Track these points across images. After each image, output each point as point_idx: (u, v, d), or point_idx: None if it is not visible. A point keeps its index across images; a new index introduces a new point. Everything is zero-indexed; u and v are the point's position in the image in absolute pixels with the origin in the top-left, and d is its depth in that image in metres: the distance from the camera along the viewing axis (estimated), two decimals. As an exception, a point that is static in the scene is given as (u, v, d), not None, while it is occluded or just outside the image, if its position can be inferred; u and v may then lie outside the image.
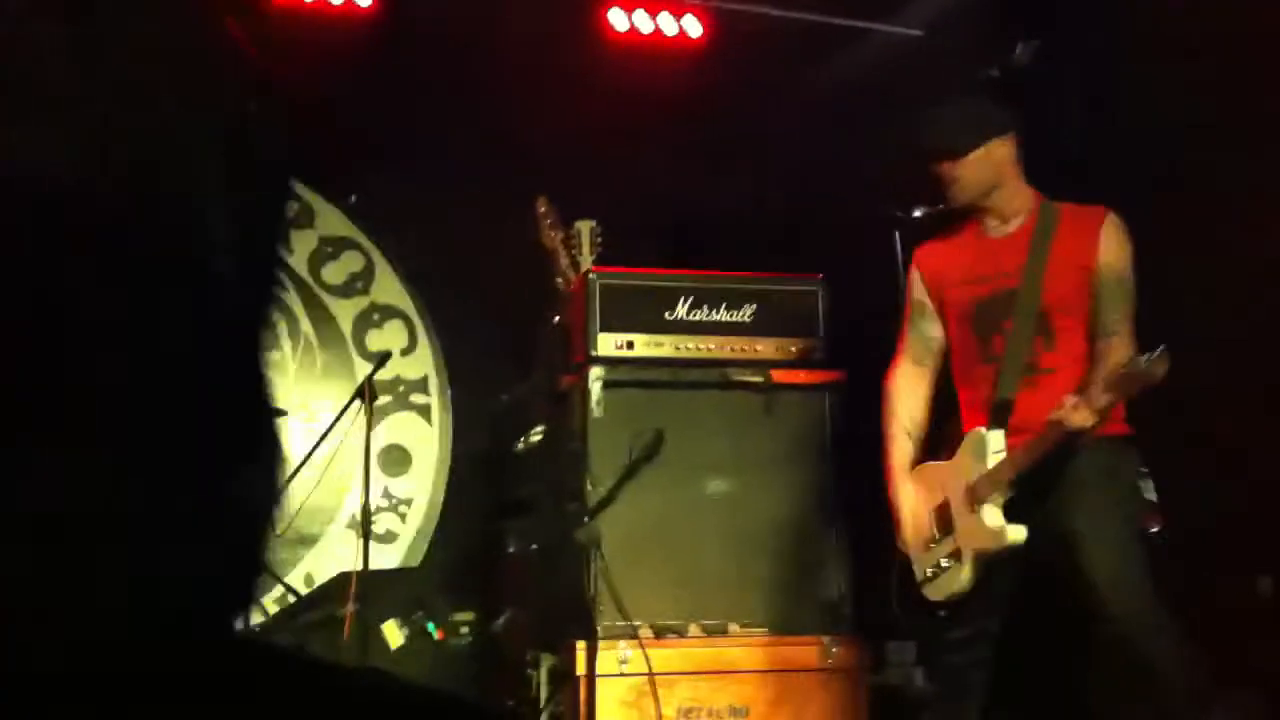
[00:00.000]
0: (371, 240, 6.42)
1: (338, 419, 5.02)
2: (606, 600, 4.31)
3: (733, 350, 4.75)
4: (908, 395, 4.07)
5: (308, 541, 6.02)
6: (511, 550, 5.34)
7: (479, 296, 6.16)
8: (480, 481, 6.05)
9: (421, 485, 6.30)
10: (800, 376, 4.75)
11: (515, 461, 5.35)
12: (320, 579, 5.69)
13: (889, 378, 4.12)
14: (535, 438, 5.05)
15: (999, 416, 3.74)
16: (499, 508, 5.58)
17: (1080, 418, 3.45)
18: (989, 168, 3.87)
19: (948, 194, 3.94)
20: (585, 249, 5.19)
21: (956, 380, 4.00)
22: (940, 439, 4.03)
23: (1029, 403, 3.70)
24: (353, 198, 6.36)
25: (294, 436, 5.70)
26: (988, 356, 3.85)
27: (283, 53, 5.88)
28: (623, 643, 4.29)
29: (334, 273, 6.39)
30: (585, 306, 4.70)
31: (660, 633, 4.43)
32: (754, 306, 4.81)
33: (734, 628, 4.51)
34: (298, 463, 5.10)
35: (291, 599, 5.36)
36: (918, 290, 4.08)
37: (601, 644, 4.20)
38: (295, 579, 5.87)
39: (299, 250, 6.34)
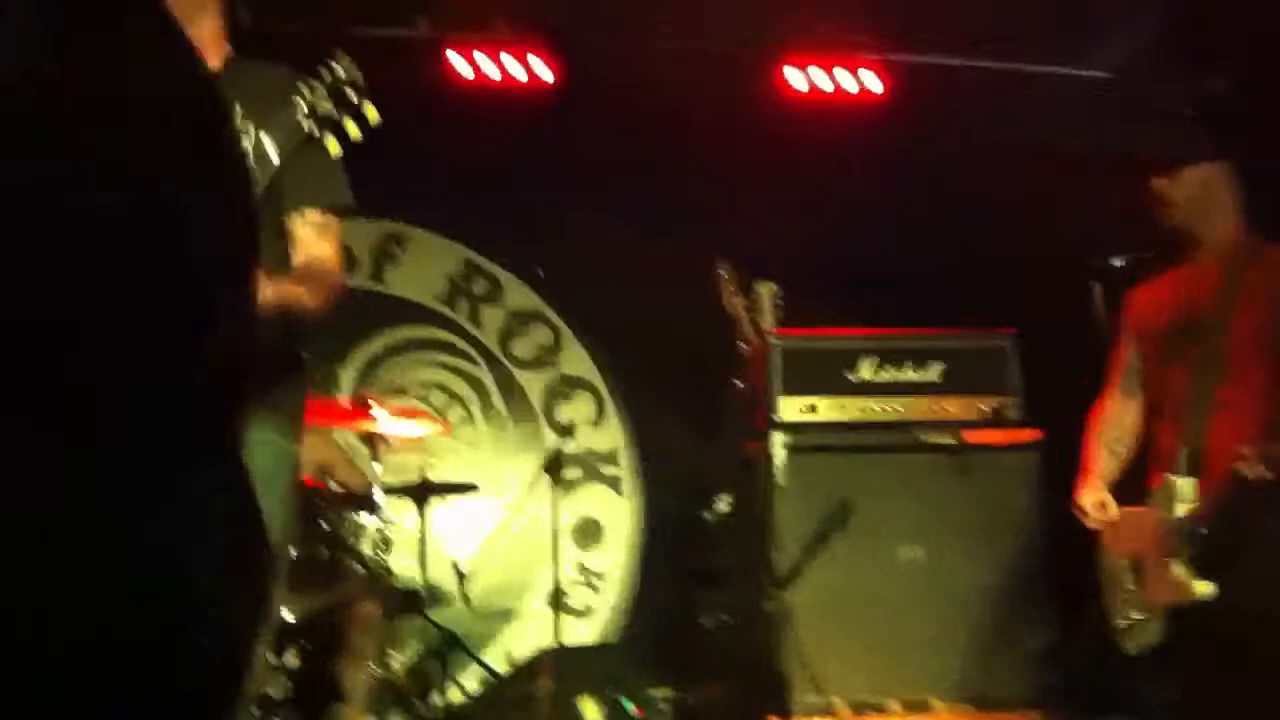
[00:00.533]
0: (559, 312, 6.47)
1: (526, 493, 5.01)
2: (801, 675, 4.19)
3: (921, 411, 4.60)
4: (1113, 421, 3.89)
5: (505, 617, 6.04)
6: (705, 623, 5.25)
7: (666, 365, 6.12)
8: (676, 553, 5.98)
9: (615, 558, 6.27)
10: (994, 436, 4.57)
11: (706, 531, 5.27)
12: (519, 655, 5.69)
13: (1095, 407, 3.94)
14: (722, 506, 4.97)
15: (1191, 463, 3.52)
16: (692, 578, 5.50)
17: (1255, 470, 3.23)
18: (1202, 189, 3.70)
19: (1160, 215, 3.75)
20: (766, 312, 5.11)
21: (1151, 413, 3.80)
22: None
23: (1211, 441, 3.49)
24: (540, 271, 6.43)
25: (487, 511, 5.75)
26: (1171, 387, 3.65)
27: (468, 129, 6.05)
28: (818, 719, 4.16)
29: (523, 346, 6.45)
30: (766, 371, 4.62)
31: (858, 709, 4.27)
32: (942, 365, 4.66)
33: (936, 703, 4.32)
34: (488, 536, 5.14)
35: (491, 678, 5.38)
36: (1127, 319, 3.93)
37: (795, 720, 4.08)
38: (495, 655, 5.89)
39: (488, 325, 6.43)
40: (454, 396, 6.35)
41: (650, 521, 6.28)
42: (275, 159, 2.13)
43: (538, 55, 6.19)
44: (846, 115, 6.28)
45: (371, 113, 2.13)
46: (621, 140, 6.07)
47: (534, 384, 6.41)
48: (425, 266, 6.44)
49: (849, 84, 6.32)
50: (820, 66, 6.29)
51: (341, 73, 2.10)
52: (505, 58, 6.18)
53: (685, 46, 6.18)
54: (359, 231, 6.40)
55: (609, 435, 6.38)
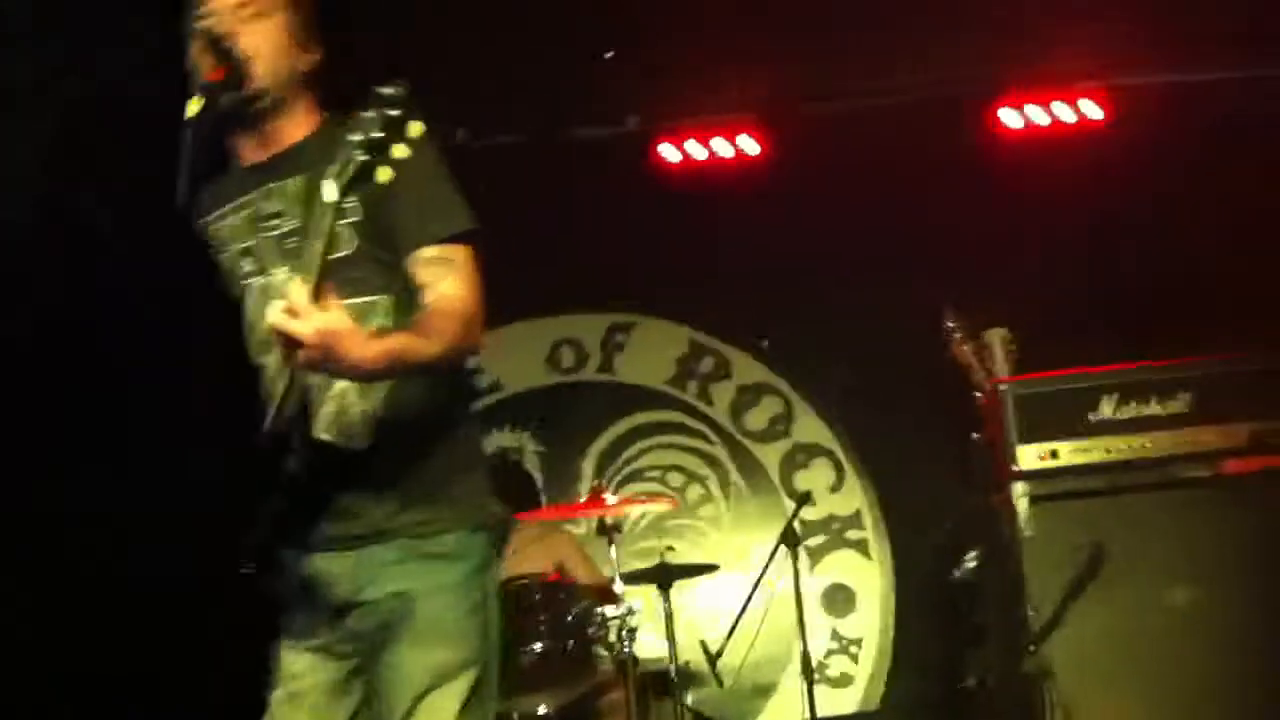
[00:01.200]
0: (788, 381, 6.43)
1: (767, 566, 4.96)
2: (1069, 732, 3.99)
3: (1172, 445, 4.34)
4: None
5: (762, 693, 5.97)
6: (970, 684, 5.06)
7: (902, 422, 6.01)
8: (930, 613, 5.81)
9: (870, 623, 6.13)
10: (1256, 465, 4.27)
11: (960, 589, 5.10)
12: (780, 729, 5.61)
13: None
14: (971, 563, 4.80)
15: None
16: (952, 640, 5.32)
17: None
18: None
19: None
20: (999, 358, 4.95)
21: None
22: None
23: None
24: (764, 342, 6.42)
25: (732, 587, 5.71)
26: None
27: (682, 211, 6.12)
28: (1095, 780, 3.94)
29: (756, 419, 6.43)
30: (1002, 419, 4.46)
31: (1133, 764, 4.03)
32: (1190, 394, 4.40)
33: (1217, 753, 4.04)
34: (738, 613, 5.09)
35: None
36: None
37: (1071, 783, 3.88)
38: (757, 731, 5.83)
39: (719, 401, 6.44)
40: (691, 476, 6.37)
41: (902, 583, 6.13)
42: (334, 196, 2.04)
43: (747, 132, 6.24)
44: (1066, 147, 6.09)
45: (415, 129, 1.99)
46: (835, 203, 6.05)
47: (770, 455, 6.38)
48: (652, 351, 6.51)
49: (1067, 115, 6.14)
50: (1036, 102, 6.13)
51: (386, 92, 2.01)
52: (715, 140, 6.25)
53: (892, 102, 6.13)
54: (586, 325, 6.54)
55: (850, 499, 6.28)
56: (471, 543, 2.39)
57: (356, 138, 1.98)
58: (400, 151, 1.98)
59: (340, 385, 2.27)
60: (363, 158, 1.99)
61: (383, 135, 1.97)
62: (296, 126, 2.42)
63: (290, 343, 2.03)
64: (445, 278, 2.27)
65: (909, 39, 5.65)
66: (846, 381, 6.25)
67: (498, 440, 6.42)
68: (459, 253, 2.31)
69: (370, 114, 1.98)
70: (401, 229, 2.29)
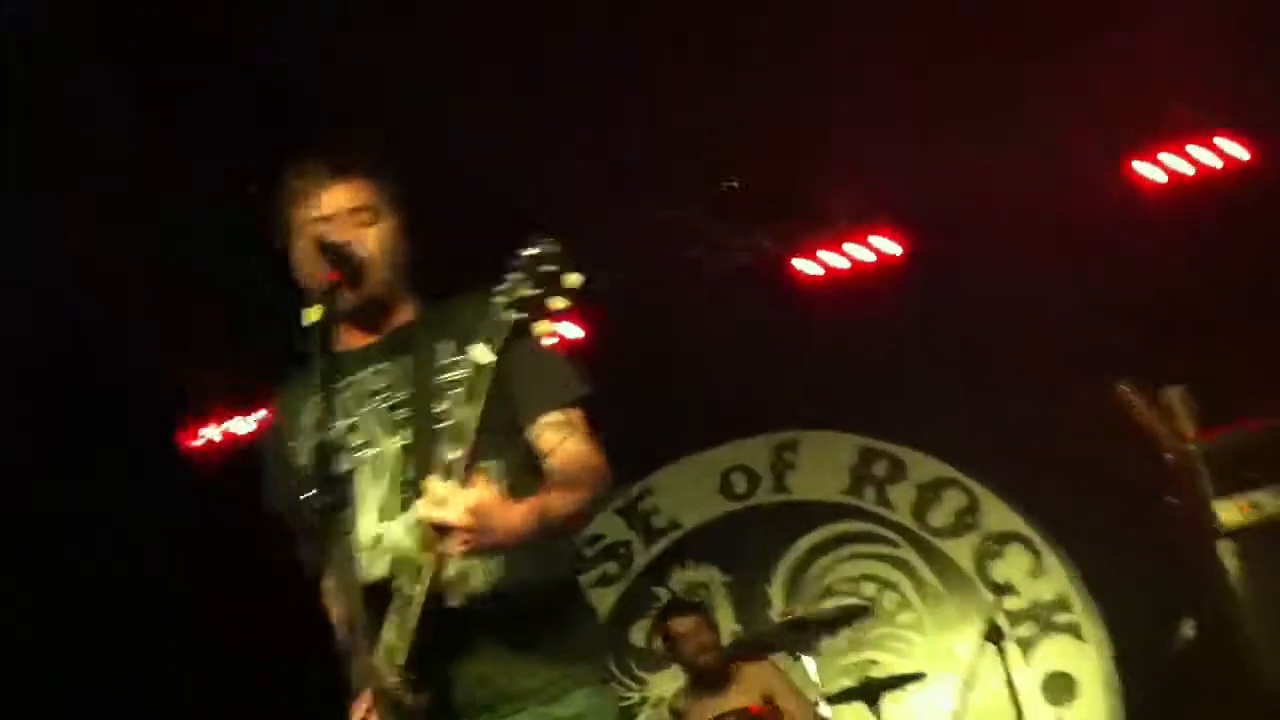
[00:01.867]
0: (968, 472, 6.30)
1: (975, 663, 4.82)
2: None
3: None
4: None
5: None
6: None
7: (1091, 498, 5.81)
8: (1156, 687, 5.54)
9: (1094, 709, 5.87)
10: None
11: (1182, 661, 4.88)
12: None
13: None
14: (1188, 631, 4.59)
15: None
16: (1182, 712, 5.08)
17: None
18: None
19: None
20: (1181, 417, 4.79)
21: None
22: None
23: None
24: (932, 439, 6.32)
25: (945, 690, 5.56)
26: None
27: (827, 323, 6.11)
28: None
29: (940, 515, 6.31)
30: (1196, 480, 4.30)
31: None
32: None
33: None
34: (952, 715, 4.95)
35: None
36: None
37: None
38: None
39: (899, 503, 6.34)
40: (884, 583, 6.25)
41: (1122, 662, 5.87)
42: (490, 357, 2.07)
43: (882, 235, 6.21)
44: (1214, 193, 5.92)
45: (573, 279, 1.98)
46: (983, 290, 5.96)
47: (960, 550, 6.23)
48: (823, 465, 6.47)
49: (1210, 160, 5.97)
50: (1173, 151, 5.97)
51: (534, 251, 2.03)
52: (849, 246, 6.23)
53: (1029, 173, 6.05)
54: (753, 449, 6.53)
55: (1053, 582, 6.07)
56: (599, 699, 2.40)
57: (504, 300, 2.02)
58: (560, 303, 1.99)
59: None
60: (517, 316, 2.00)
61: (538, 291, 1.98)
62: (399, 315, 2.52)
63: (442, 530, 2.09)
64: (569, 438, 2.35)
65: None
66: (1030, 464, 6.08)
67: (682, 577, 6.41)
68: (578, 415, 2.40)
69: (517, 275, 2.01)
70: (520, 395, 2.34)
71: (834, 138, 5.42)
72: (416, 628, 2.20)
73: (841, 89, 5.11)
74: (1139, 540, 5.38)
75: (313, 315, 2.33)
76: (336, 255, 2.36)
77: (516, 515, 2.17)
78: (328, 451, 2.24)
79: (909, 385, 6.17)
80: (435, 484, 2.10)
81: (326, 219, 2.44)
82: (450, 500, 2.07)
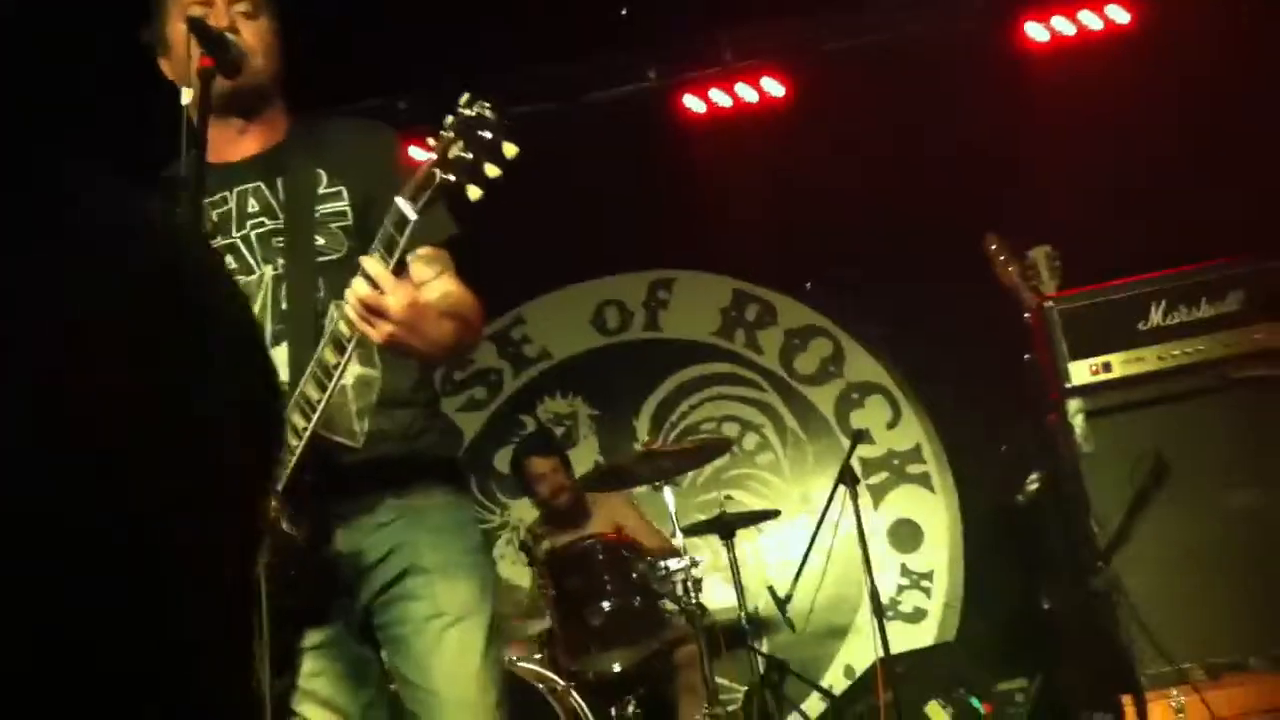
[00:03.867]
0: (835, 322, 6.38)
1: (827, 507, 4.94)
2: (1146, 646, 3.94)
3: (1227, 346, 4.26)
4: None
5: (838, 634, 5.96)
6: (1047, 607, 5.02)
7: (952, 352, 5.94)
8: (999, 540, 5.76)
9: (939, 556, 6.10)
10: (1315, 357, 4.18)
11: (1025, 513, 5.05)
12: (859, 669, 5.59)
13: None
14: (1033, 486, 4.75)
15: None
16: (1022, 565, 5.28)
17: None
18: None
19: None
20: (1045, 276, 4.88)
21: None
22: None
23: None
24: (808, 285, 6.37)
25: (798, 532, 5.70)
26: None
27: (709, 162, 6.08)
28: (1174, 690, 3.89)
29: (806, 362, 6.40)
30: (1050, 337, 4.39)
31: (1215, 672, 3.97)
32: (1242, 292, 4.31)
33: (1301, 652, 3.97)
34: (803, 557, 5.08)
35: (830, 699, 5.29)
36: None
37: (1150, 696, 3.84)
38: (834, 673, 5.81)
39: (767, 348, 6.41)
40: (747, 425, 6.34)
41: (967, 513, 6.08)
42: (412, 215, 2.04)
43: (770, 75, 6.17)
44: (1095, 55, 5.98)
45: (509, 149, 2.00)
46: (863, 140, 5.96)
47: (823, 397, 6.34)
48: (696, 305, 6.48)
49: (1093, 23, 6.03)
50: (1063, 14, 6.02)
51: (472, 113, 1.99)
52: (738, 86, 6.19)
53: (907, 33, 6.05)
54: (628, 285, 6.52)
55: (909, 434, 6.23)
56: (457, 499, 2.46)
57: (436, 156, 1.97)
58: (494, 172, 1.98)
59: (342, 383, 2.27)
60: (445, 176, 1.98)
61: (470, 156, 1.95)
62: (272, 129, 2.46)
63: (375, 315, 2.04)
64: (443, 274, 2.34)
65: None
66: (894, 316, 6.19)
67: (550, 407, 6.43)
68: (444, 255, 2.39)
69: (450, 132, 1.97)
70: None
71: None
72: (301, 449, 2.19)
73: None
74: (994, 396, 5.53)
75: (187, 95, 2.25)
76: (208, 39, 2.25)
77: (447, 328, 2.18)
78: None
79: (784, 231, 6.19)
80: (374, 267, 2.05)
81: (204, 3, 2.34)
82: (390, 290, 2.03)
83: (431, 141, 1.99)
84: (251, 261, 2.39)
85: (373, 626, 2.38)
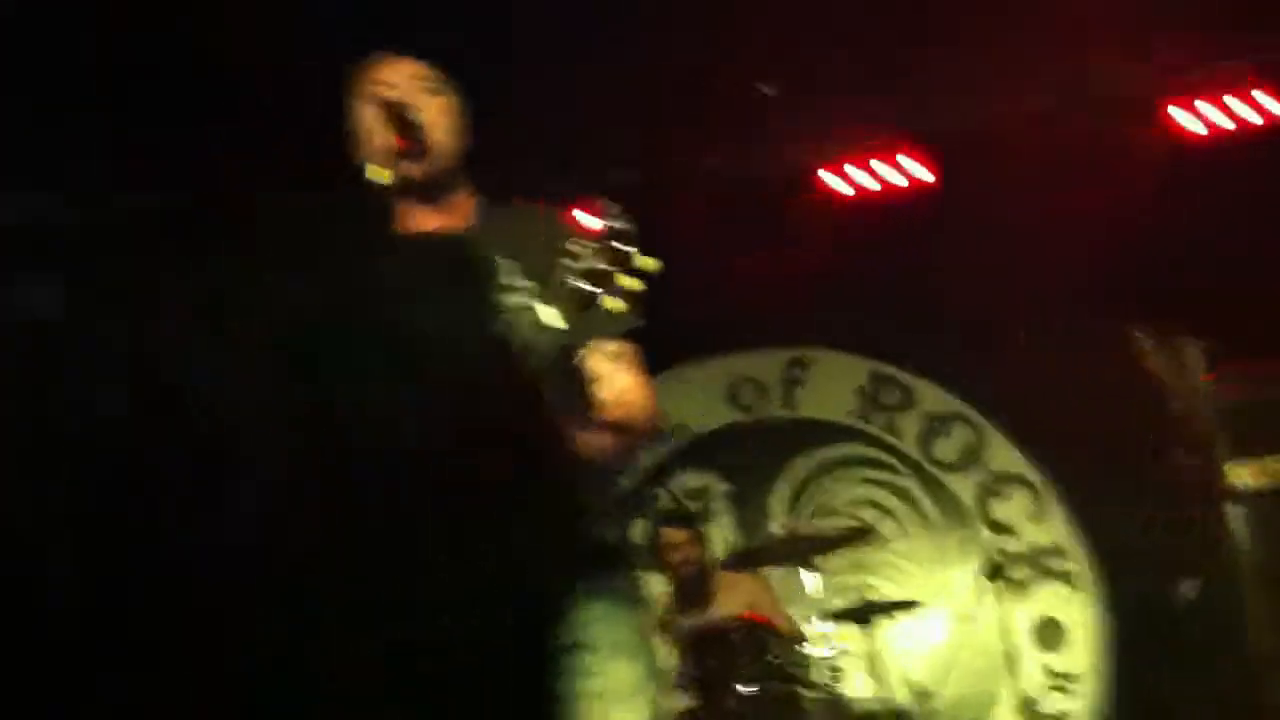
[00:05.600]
0: (978, 409, 6.27)
1: (971, 600, 4.81)
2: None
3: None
4: None
5: (972, 732, 5.79)
6: (1192, 715, 4.85)
7: (1102, 445, 5.74)
8: (1147, 644, 5.53)
9: (1083, 657, 5.85)
10: None
11: (1179, 618, 4.88)
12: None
13: None
14: (1189, 592, 4.59)
15: None
16: (1172, 669, 5.09)
17: None
18: None
19: None
20: (1195, 372, 4.77)
21: None
22: None
23: None
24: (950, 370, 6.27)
25: (936, 623, 5.57)
26: None
27: (853, 243, 6.04)
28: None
29: (946, 449, 6.29)
30: (1207, 434, 4.28)
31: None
32: None
33: None
34: (942, 648, 4.96)
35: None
36: None
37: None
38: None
39: (906, 432, 6.32)
40: (884, 510, 6.24)
41: (1115, 614, 5.86)
42: (561, 324, 2.04)
43: (913, 158, 6.12)
44: (1246, 146, 5.83)
45: (646, 263, 1.99)
46: (1011, 222, 5.87)
47: (963, 486, 6.22)
48: (833, 385, 6.42)
49: (1246, 114, 5.88)
50: (1209, 101, 5.88)
51: (607, 225, 1.98)
52: (880, 166, 6.14)
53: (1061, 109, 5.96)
54: (763, 362, 6.49)
55: (1052, 529, 6.05)
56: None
57: (575, 264, 1.97)
58: (632, 284, 1.97)
59: None
60: (587, 289, 1.98)
61: (610, 268, 1.95)
62: (456, 208, 2.43)
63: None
64: (624, 369, 2.36)
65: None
66: (1040, 406, 6.03)
67: (683, 482, 6.40)
68: (629, 349, 2.41)
69: (587, 242, 1.96)
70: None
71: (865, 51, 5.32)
72: None
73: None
74: (1144, 492, 5.36)
75: (384, 176, 2.26)
76: (399, 120, 2.26)
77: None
78: None
79: (925, 314, 6.11)
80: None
81: (391, 84, 2.34)
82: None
83: (574, 249, 1.98)
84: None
85: None
